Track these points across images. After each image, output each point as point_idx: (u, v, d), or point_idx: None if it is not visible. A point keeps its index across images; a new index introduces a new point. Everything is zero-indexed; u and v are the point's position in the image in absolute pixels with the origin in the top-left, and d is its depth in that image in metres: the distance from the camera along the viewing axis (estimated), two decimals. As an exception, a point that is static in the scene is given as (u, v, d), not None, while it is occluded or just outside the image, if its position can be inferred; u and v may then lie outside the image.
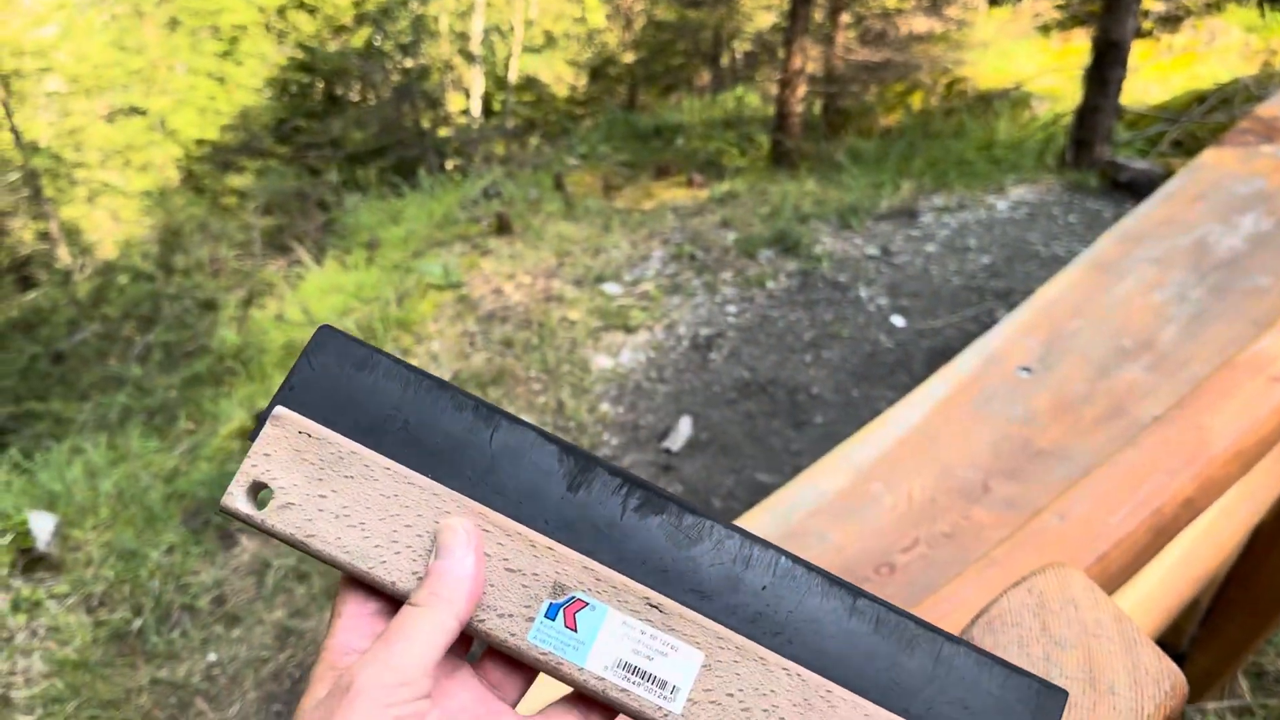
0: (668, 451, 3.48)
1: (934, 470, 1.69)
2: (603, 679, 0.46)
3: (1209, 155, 2.68)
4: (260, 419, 0.49)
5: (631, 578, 0.47)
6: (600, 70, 14.53)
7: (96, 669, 2.70)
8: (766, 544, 0.48)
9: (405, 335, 4.38)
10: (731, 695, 0.46)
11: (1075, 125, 5.35)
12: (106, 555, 3.07)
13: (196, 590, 2.98)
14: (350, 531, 0.47)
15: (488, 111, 13.52)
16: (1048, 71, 7.84)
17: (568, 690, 0.47)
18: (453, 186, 7.12)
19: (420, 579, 0.46)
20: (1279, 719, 2.22)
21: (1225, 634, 2.11)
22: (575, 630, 0.46)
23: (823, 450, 2.08)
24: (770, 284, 4.53)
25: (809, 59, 7.33)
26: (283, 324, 5.05)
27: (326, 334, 0.51)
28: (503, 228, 5.45)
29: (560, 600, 0.46)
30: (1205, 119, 5.58)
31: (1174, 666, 0.68)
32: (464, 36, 12.61)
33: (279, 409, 0.49)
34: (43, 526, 3.05)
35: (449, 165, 10.81)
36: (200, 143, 13.04)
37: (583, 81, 14.73)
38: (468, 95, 12.93)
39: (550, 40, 14.09)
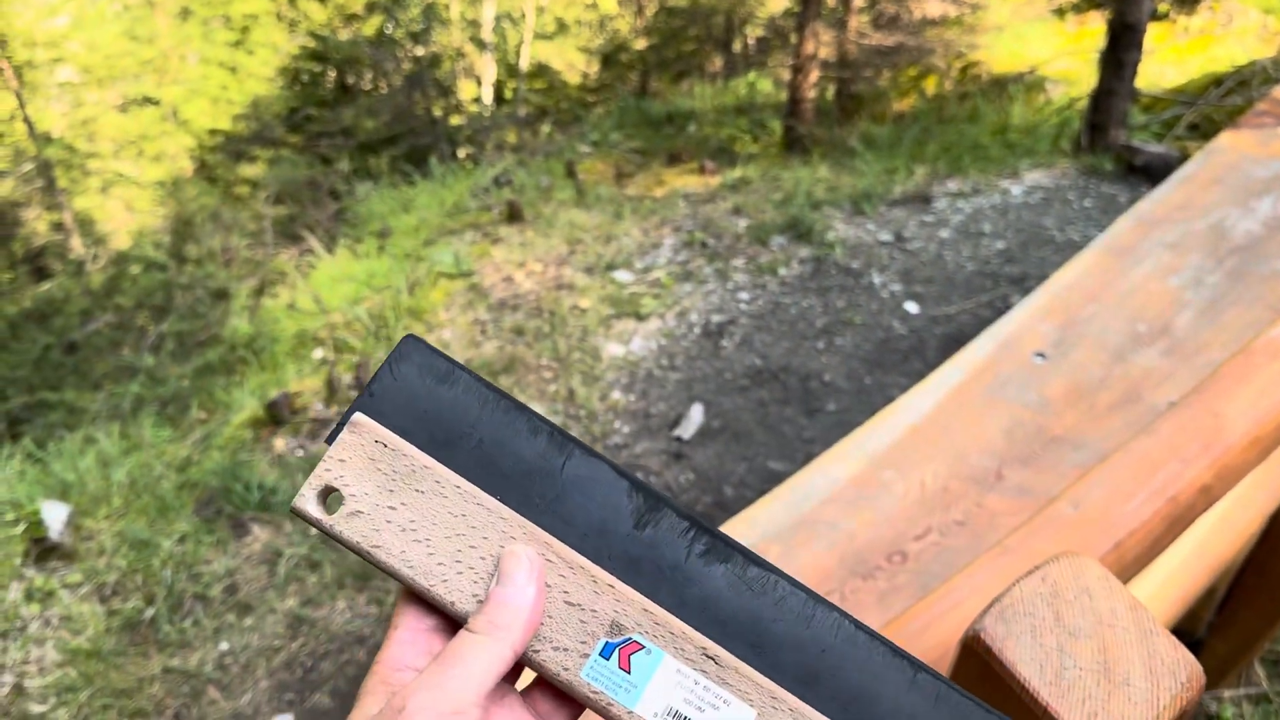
0: (679, 439, 3.47)
1: (947, 457, 1.67)
2: None
3: (1225, 138, 2.64)
4: (339, 423, 0.49)
5: (690, 625, 0.46)
6: (612, 57, 14.48)
7: (109, 658, 2.71)
8: (830, 605, 0.47)
9: (416, 324, 4.37)
10: None
11: (1090, 109, 5.29)
12: (119, 544, 3.08)
13: (209, 579, 2.99)
14: (415, 546, 0.47)
15: (499, 99, 13.50)
16: (1063, 55, 7.77)
17: None
18: (464, 175, 7.11)
19: (479, 601, 0.46)
20: (1296, 707, 2.20)
21: (1242, 621, 2.09)
22: (629, 672, 0.46)
23: (835, 438, 2.07)
24: (782, 271, 4.50)
25: (821, 44, 7.27)
26: (294, 313, 5.05)
27: (411, 344, 0.51)
28: (514, 216, 5.44)
29: (617, 640, 0.46)
30: (1222, 102, 5.51)
31: (1190, 657, 0.66)
32: (475, 24, 12.57)
33: (358, 415, 0.49)
34: (55, 516, 3.06)
35: (461, 153, 10.80)
36: (213, 132, 13.07)
37: (594, 68, 14.69)
38: (479, 83, 12.90)
39: (562, 27, 14.05)
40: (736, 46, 12.33)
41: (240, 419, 3.91)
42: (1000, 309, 3.86)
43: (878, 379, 3.67)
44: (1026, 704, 0.64)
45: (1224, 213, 2.29)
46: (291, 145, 12.36)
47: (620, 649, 0.46)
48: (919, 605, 0.88)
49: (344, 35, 13.08)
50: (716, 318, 4.18)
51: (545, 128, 11.59)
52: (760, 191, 5.63)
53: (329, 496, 0.48)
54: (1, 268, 10.03)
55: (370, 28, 12.87)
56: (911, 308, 4.07)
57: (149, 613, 2.85)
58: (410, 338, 0.51)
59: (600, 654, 0.46)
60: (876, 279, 4.32)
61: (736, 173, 6.26)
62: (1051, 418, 1.75)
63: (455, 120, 12.55)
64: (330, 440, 0.49)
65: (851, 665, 0.46)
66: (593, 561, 0.47)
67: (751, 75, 10.32)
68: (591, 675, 0.46)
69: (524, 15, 12.88)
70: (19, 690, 2.60)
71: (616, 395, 3.73)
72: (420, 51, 12.18)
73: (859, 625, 0.47)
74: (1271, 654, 2.31)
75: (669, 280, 4.51)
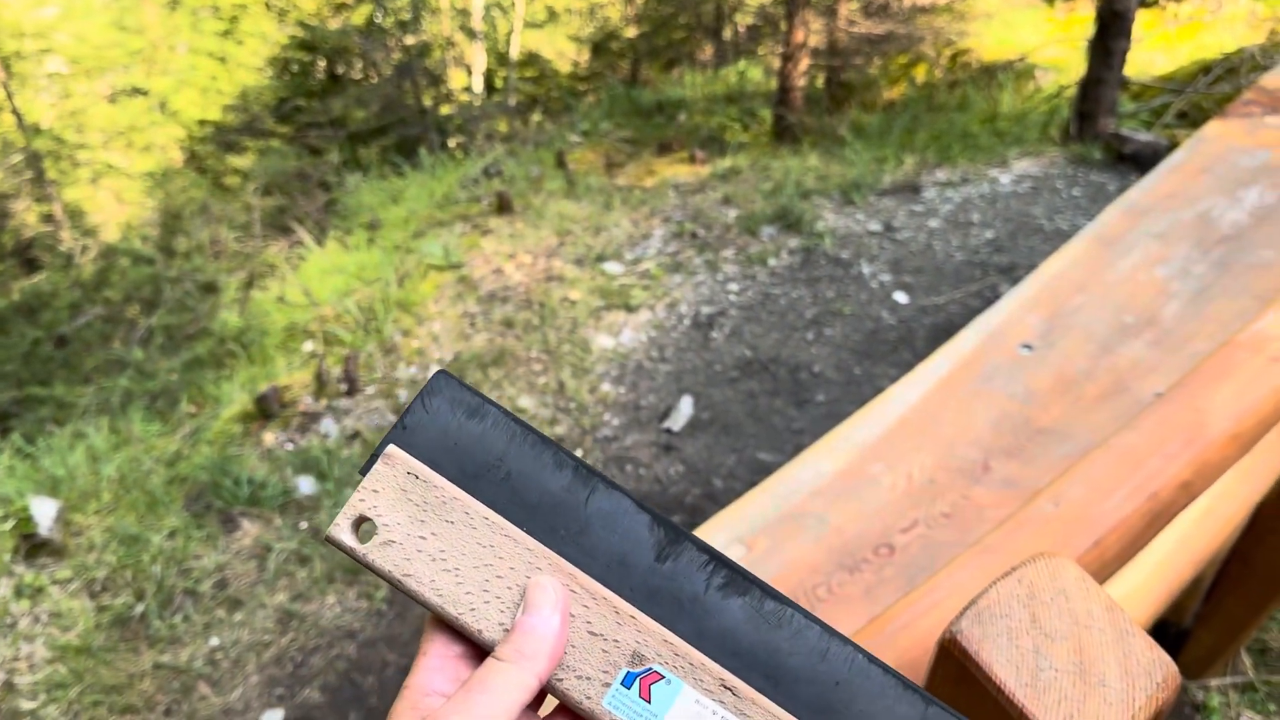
0: (669, 431, 3.47)
1: (934, 450, 1.68)
2: None
3: (1213, 127, 2.64)
4: (373, 455, 0.51)
5: (709, 656, 0.48)
6: (602, 45, 14.44)
7: (99, 654, 2.71)
8: (845, 639, 0.49)
9: (406, 316, 4.36)
10: None
11: (1079, 97, 5.29)
12: (109, 540, 3.08)
13: (199, 574, 2.98)
14: (445, 575, 0.48)
15: (490, 88, 13.45)
16: (1052, 42, 7.76)
17: None
18: (453, 165, 7.09)
19: (506, 630, 0.47)
20: (1282, 695, 2.21)
21: (1228, 611, 2.10)
22: (649, 701, 0.47)
23: (825, 428, 2.07)
24: (772, 261, 4.50)
25: (811, 32, 7.26)
26: (284, 306, 5.03)
27: (442, 380, 0.53)
28: (503, 207, 5.42)
29: (638, 670, 0.47)
30: (1211, 90, 5.52)
31: (1166, 657, 0.67)
32: (465, 12, 12.52)
33: (391, 448, 0.51)
34: (45, 512, 3.05)
35: (451, 143, 10.76)
36: (202, 123, 13.00)
37: (585, 57, 14.65)
38: (469, 72, 12.85)
39: (552, 15, 14.00)
40: (727, 34, 12.29)
41: (230, 413, 3.90)
42: (989, 298, 3.87)
43: (867, 369, 3.67)
44: (1003, 706, 0.64)
45: (1211, 202, 2.30)
46: (281, 136, 12.31)
47: (641, 679, 0.47)
48: (900, 603, 0.88)
49: (333, 25, 13.01)
50: (706, 309, 4.17)
51: (536, 117, 11.56)
52: (750, 181, 5.62)
53: (362, 526, 0.50)
54: (-9, 261, 9.98)
55: (360, 17, 12.80)
56: (900, 298, 4.07)
57: (139, 608, 2.85)
58: (442, 374, 0.53)
59: (622, 683, 0.47)
60: (866, 269, 4.32)
61: (726, 162, 6.25)
62: (1038, 409, 1.75)
63: (445, 110, 12.51)
64: (364, 471, 0.50)
65: (864, 698, 0.47)
66: (615, 593, 0.49)
67: (742, 63, 10.29)
68: (613, 704, 0.47)
69: (514, 3, 12.82)
70: (9, 687, 2.59)
71: (606, 387, 3.73)
72: (410, 40, 12.13)
73: (872, 659, 0.48)
74: (1257, 643, 2.33)
75: (659, 271, 4.51)
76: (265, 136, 12.47)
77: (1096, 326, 1.85)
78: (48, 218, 10.70)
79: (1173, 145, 4.69)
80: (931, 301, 4.00)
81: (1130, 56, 5.19)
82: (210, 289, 6.65)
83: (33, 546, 2.99)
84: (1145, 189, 2.25)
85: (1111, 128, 5.16)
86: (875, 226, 4.70)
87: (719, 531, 1.62)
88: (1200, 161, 2.46)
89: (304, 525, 3.17)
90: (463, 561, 0.48)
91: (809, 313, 4.07)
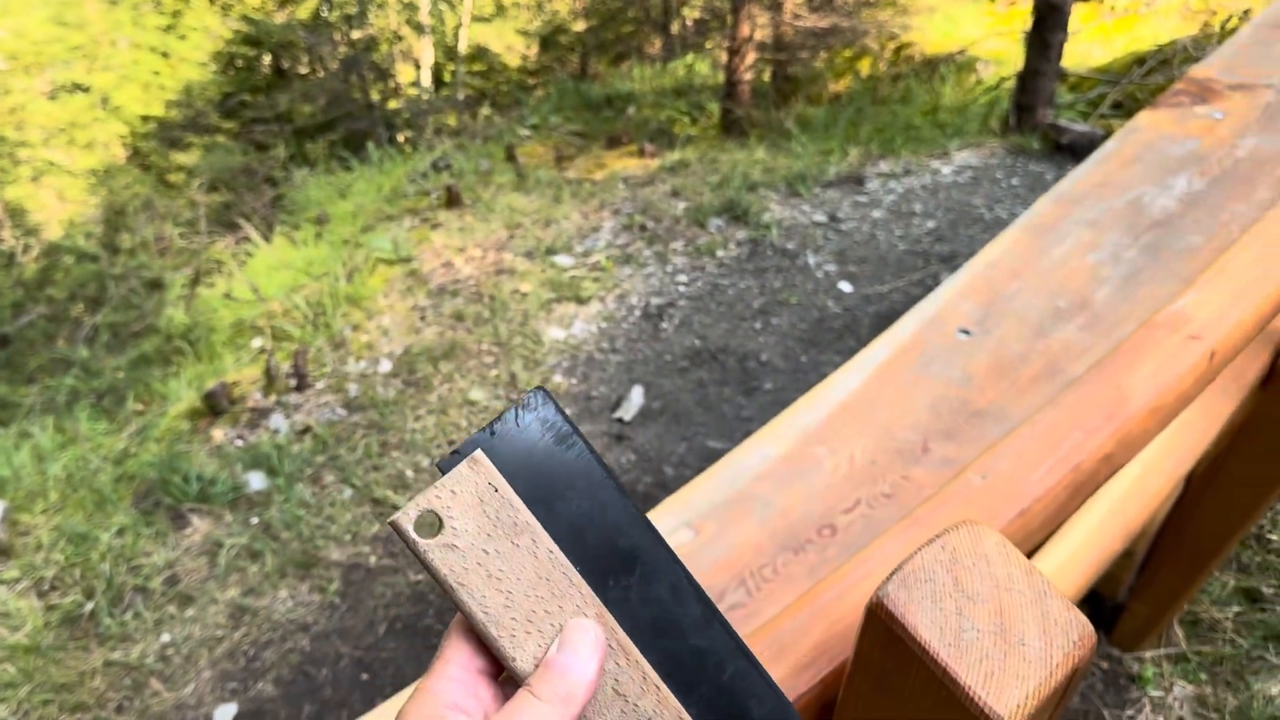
0: (620, 421, 3.50)
1: (875, 433, 1.72)
2: None
3: (1144, 117, 2.72)
4: (457, 451, 0.50)
5: None
6: (551, 39, 14.39)
7: (49, 653, 2.68)
8: None
9: (355, 311, 4.34)
10: None
11: (1017, 89, 5.40)
12: (56, 539, 3.04)
13: (149, 571, 2.96)
14: (496, 596, 0.48)
15: (438, 83, 13.34)
16: (992, 35, 7.90)
17: None
18: (402, 160, 7.04)
19: (536, 663, 0.47)
20: (1213, 665, 2.30)
21: (1160, 583, 2.18)
22: None
23: (772, 415, 2.11)
24: (720, 253, 4.54)
25: (757, 26, 7.31)
26: (231, 302, 4.98)
27: (539, 397, 0.52)
28: (452, 201, 5.41)
29: None
30: (1144, 81, 5.66)
31: (1082, 618, 0.70)
32: (412, 6, 12.41)
33: (479, 453, 0.50)
34: (-12, 513, 3.01)
35: (400, 138, 10.67)
36: (145, 119, 12.74)
37: (534, 51, 14.58)
38: (417, 66, 12.74)
39: (500, 9, 13.92)
40: (675, 28, 12.32)
41: (177, 410, 3.86)
42: (930, 286, 3.95)
43: (813, 357, 3.73)
44: (928, 665, 0.67)
45: (1142, 190, 2.37)
46: (226, 132, 12.11)
47: None
48: (833, 575, 0.91)
49: (279, 19, 12.82)
50: (656, 300, 4.21)
51: (485, 111, 11.50)
52: (698, 174, 5.66)
53: (427, 521, 0.49)
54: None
55: (305, 11, 12.63)
56: (845, 287, 4.14)
57: (88, 607, 2.82)
58: (541, 391, 0.52)
59: None
60: (811, 259, 4.38)
61: (675, 155, 6.29)
62: (975, 392, 1.80)
63: (394, 104, 12.40)
64: (444, 468, 0.50)
65: None
66: (645, 657, 0.49)
67: (689, 57, 10.32)
68: None
69: (461, -3, 12.75)
70: (-46, 691, 2.56)
71: (558, 379, 3.75)
72: (356, 35, 11.99)
73: None
74: (1190, 614, 2.41)
75: (609, 264, 4.53)
76: (210, 132, 12.26)
77: (1031, 312, 1.90)
78: (-12, 216, 10.44)
79: (1108, 135, 4.80)
80: (875, 290, 4.07)
81: (1067, 49, 5.30)
82: (156, 286, 6.55)
83: (-23, 548, 2.95)
84: (1078, 178, 2.32)
85: (1049, 118, 5.27)
86: (820, 218, 4.76)
87: (667, 516, 1.65)
88: (1131, 151, 2.53)
89: (255, 521, 3.15)
90: (516, 587, 0.48)
91: (756, 303, 4.12)
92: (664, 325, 4.03)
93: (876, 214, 4.74)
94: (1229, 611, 2.40)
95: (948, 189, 4.88)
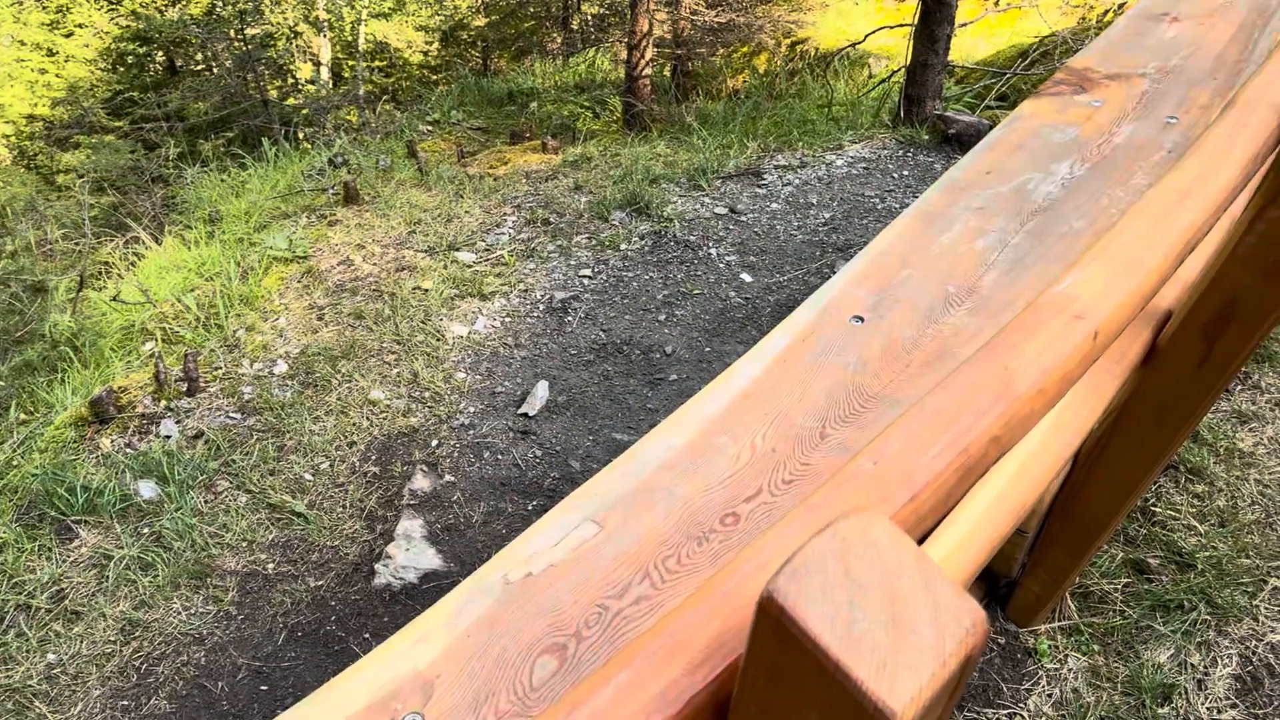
0: (526, 416, 3.46)
1: (775, 420, 1.72)
2: None
3: (1027, 106, 2.80)
4: None
5: None
6: (452, 35, 14.21)
7: (-80, 681, 2.52)
8: None
9: (250, 311, 4.20)
10: None
11: (906, 82, 5.51)
12: (-72, 559, 2.87)
13: (32, 588, 2.82)
14: None
15: (338, 79, 13.06)
16: (884, 30, 8.07)
17: None
18: (298, 157, 6.85)
19: None
20: (1105, 636, 2.38)
21: (1052, 560, 2.24)
22: None
23: (678, 406, 2.11)
24: (623, 246, 4.53)
25: (656, 22, 7.32)
26: (120, 306, 4.77)
27: None
28: (350, 197, 5.28)
29: None
30: (1027, 72, 5.84)
31: (974, 604, 0.70)
32: (309, 2, 12.11)
33: None
34: None
35: (300, 135, 10.40)
36: (30, 119, 12.19)
37: (434, 47, 14.38)
38: (316, 63, 12.45)
39: (400, 4, 13.70)
40: (575, 24, 12.27)
41: (63, 419, 3.68)
42: (827, 275, 4.00)
43: (716, 347, 3.74)
44: (819, 659, 0.66)
45: (1026, 177, 2.43)
46: (115, 131, 11.63)
47: None
48: (728, 567, 0.90)
49: (171, 15, 12.36)
50: (560, 294, 4.17)
51: (386, 106, 11.29)
52: (601, 168, 5.64)
53: None
54: None
55: (199, 7, 12.21)
56: (746, 277, 4.17)
57: (-35, 629, 2.67)
58: None
59: None
60: (713, 251, 4.40)
61: (578, 150, 6.25)
62: (870, 377, 1.82)
63: (292, 101, 12.09)
64: None
65: None
66: None
67: (591, 53, 10.30)
68: None
69: (358, -9, 12.49)
70: None
71: (462, 375, 3.69)
72: (252, 30, 11.64)
73: None
74: (1081, 588, 2.49)
75: (512, 259, 4.48)
76: (99, 132, 11.76)
77: (921, 297, 1.93)
78: None
79: (994, 126, 4.94)
80: (775, 280, 4.11)
81: (954, 42, 5.44)
82: (40, 290, 6.24)
83: None
84: (965, 167, 2.37)
85: (938, 110, 5.40)
86: (721, 210, 4.79)
87: (572, 511, 1.62)
88: (1016, 139, 2.59)
89: (146, 531, 3.03)
90: None
91: (660, 294, 4.12)
92: (568, 319, 4.00)
93: (775, 206, 4.78)
94: (1118, 583, 2.49)
95: (842, 180, 4.96)
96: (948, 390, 1.05)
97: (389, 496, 3.14)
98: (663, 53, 8.06)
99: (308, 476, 3.23)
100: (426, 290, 4.22)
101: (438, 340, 3.89)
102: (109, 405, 3.59)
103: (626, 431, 3.35)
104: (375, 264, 4.48)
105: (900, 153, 5.20)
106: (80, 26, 12.79)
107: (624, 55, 8.20)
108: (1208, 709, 2.18)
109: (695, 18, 7.67)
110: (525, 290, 4.23)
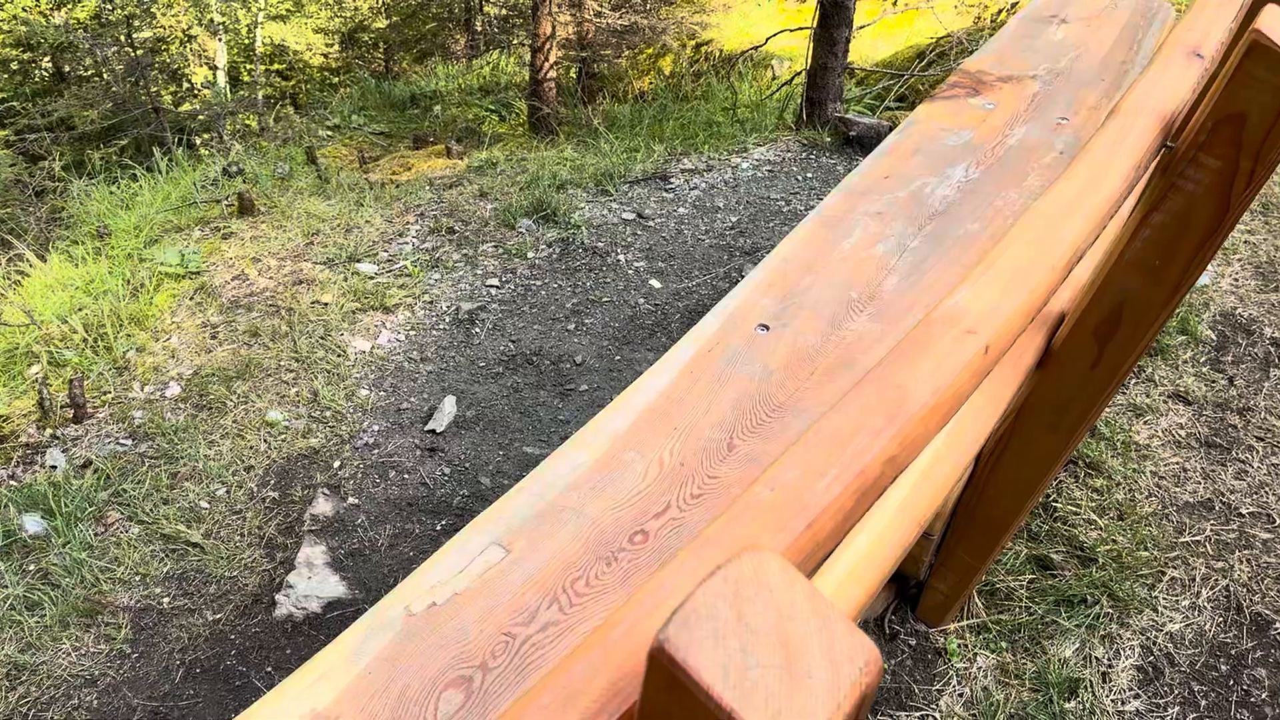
0: (433, 433, 3.38)
1: (683, 433, 1.70)
2: None
3: (923, 110, 2.83)
4: None
5: None
6: (352, 37, 13.94)
7: None
8: None
9: (140, 332, 4.03)
10: None
11: (808, 84, 5.57)
12: None
13: (-96, 637, 2.65)
14: None
15: (235, 83, 12.69)
16: (785, 33, 8.16)
17: None
18: (192, 167, 6.62)
19: None
20: (1012, 633, 2.42)
21: (958, 560, 2.27)
22: None
23: (589, 416, 2.07)
24: (531, 254, 4.48)
25: (559, 24, 7.28)
26: (1, 328, 4.53)
27: None
28: (245, 208, 5.11)
29: None
30: (924, 74, 5.95)
31: (868, 641, 0.68)
32: (202, 4, 11.73)
33: None
34: None
35: (196, 142, 10.06)
36: (-100, 131, 11.54)
37: (335, 49, 14.09)
38: (212, 67, 12.07)
39: (298, 6, 13.38)
40: (478, 25, 12.14)
41: (-64, 452, 3.48)
42: (736, 279, 4.01)
43: (626, 355, 3.72)
44: (712, 710, 0.64)
45: (923, 181, 2.45)
46: (-4, 141, 11.08)
47: None
48: (621, 610, 0.87)
49: (56, 19, 11.84)
50: (467, 305, 4.10)
51: (286, 111, 11.00)
52: (507, 173, 5.57)
53: None
54: None
55: (85, 11, 11.73)
56: (655, 284, 4.15)
57: None
58: None
59: None
60: (622, 257, 4.38)
61: (483, 155, 6.17)
62: (775, 386, 1.82)
63: (186, 108, 11.69)
64: None
65: None
66: None
67: (495, 55, 10.20)
68: None
69: (253, -6, 12.16)
70: None
71: (365, 392, 3.59)
72: (143, 34, 11.23)
73: None
74: (987, 585, 2.53)
75: (416, 269, 4.39)
76: (-23, 143, 11.19)
77: (824, 305, 1.93)
78: None
79: (894, 127, 5.03)
80: (684, 286, 4.10)
81: (853, 44, 5.51)
82: (-89, 314, 5.90)
83: None
84: (863, 172, 2.39)
85: (838, 113, 5.47)
86: (629, 215, 4.77)
87: (477, 535, 1.58)
88: (912, 143, 2.62)
89: (31, 568, 2.88)
90: None
91: (569, 303, 4.08)
92: (476, 330, 3.93)
93: (682, 210, 4.78)
94: (1023, 580, 2.54)
95: (748, 184, 4.99)
96: (842, 412, 1.04)
97: (289, 522, 3.03)
98: (568, 55, 8.02)
99: (203, 504, 3.10)
100: (326, 304, 4.10)
101: (339, 357, 3.78)
102: (-12, 435, 3.40)
103: (538, 444, 3.31)
104: (272, 278, 4.34)
105: (804, 155, 5.25)
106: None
107: (528, 57, 8.13)
108: (1112, 701, 2.23)
109: (599, 20, 7.64)
110: (430, 302, 4.14)
